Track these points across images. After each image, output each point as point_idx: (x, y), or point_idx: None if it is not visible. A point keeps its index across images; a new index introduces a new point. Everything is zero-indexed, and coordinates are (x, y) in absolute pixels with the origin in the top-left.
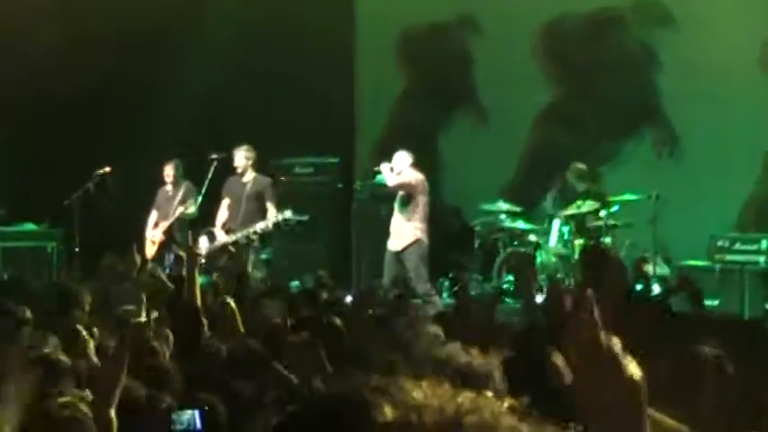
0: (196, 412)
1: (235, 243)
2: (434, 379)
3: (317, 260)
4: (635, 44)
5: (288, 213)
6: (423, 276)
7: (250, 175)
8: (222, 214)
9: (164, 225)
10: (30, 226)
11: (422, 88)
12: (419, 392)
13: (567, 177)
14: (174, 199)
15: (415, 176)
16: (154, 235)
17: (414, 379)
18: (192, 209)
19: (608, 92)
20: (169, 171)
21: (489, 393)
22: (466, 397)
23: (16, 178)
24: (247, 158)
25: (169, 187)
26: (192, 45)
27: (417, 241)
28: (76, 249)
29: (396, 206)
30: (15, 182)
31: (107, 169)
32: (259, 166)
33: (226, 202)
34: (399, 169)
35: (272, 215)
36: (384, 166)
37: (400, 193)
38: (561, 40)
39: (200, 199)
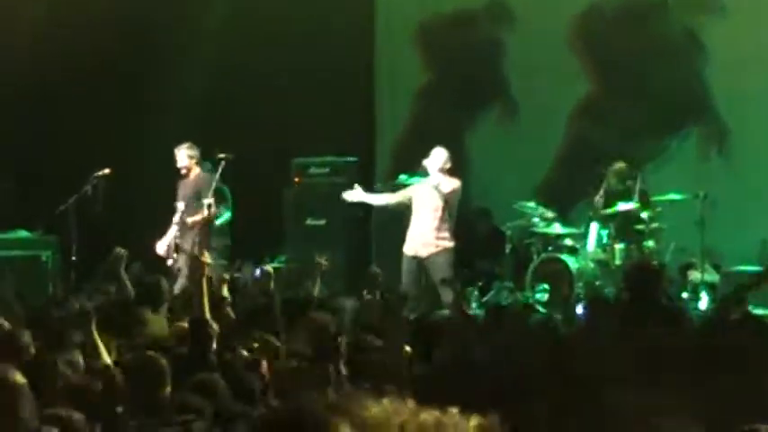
0: None
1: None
2: (397, 395)
3: (334, 267)
4: (679, 32)
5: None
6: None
7: (194, 174)
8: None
9: None
10: (22, 233)
11: (446, 82)
12: (380, 410)
13: (607, 178)
14: None
15: (457, 182)
16: None
17: (376, 396)
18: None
19: (650, 84)
20: None
21: (455, 410)
22: (430, 414)
23: (5, 181)
24: (190, 157)
25: None
26: (203, 36)
27: (447, 248)
28: (73, 258)
29: (423, 210)
30: (5, 185)
31: (106, 171)
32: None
33: (180, 206)
34: (440, 167)
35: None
36: (430, 166)
37: (438, 195)
38: (599, 28)
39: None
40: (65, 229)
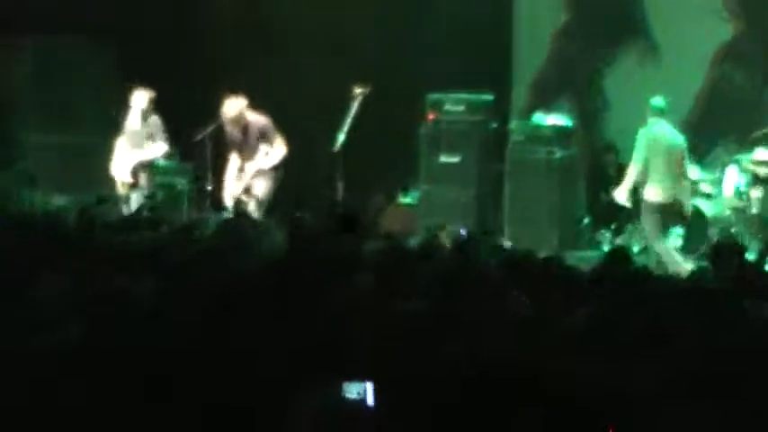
0: (368, 385)
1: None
2: None
3: (465, 206)
4: None
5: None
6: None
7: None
8: None
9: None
10: (159, 161)
11: (585, 21)
12: None
13: None
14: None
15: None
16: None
17: None
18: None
19: None
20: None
21: None
22: None
23: None
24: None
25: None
26: None
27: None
28: (209, 188)
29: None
30: None
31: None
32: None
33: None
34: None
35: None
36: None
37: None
38: None
39: (342, 137)
40: (201, 158)
